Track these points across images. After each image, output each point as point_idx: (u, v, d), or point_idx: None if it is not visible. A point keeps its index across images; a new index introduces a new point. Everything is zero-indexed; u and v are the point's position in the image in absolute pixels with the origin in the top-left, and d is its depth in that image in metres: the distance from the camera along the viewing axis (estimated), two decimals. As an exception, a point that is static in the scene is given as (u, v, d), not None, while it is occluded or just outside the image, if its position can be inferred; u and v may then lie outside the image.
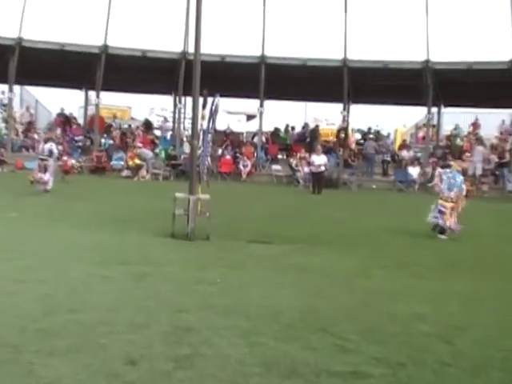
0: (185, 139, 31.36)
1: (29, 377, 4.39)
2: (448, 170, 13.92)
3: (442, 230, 13.09)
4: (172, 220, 11.18)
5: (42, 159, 18.16)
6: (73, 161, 25.91)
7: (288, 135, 33.59)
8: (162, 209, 13.17)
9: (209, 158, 12.94)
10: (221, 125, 31.70)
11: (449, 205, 13.05)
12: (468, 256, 11.20)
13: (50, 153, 18.50)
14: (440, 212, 13.07)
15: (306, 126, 34.61)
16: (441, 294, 7.75)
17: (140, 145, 30.05)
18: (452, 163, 14.40)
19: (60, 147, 19.51)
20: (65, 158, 22.34)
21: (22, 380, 4.35)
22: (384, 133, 33.86)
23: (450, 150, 30.25)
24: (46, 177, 17.79)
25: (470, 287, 8.37)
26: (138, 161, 28.42)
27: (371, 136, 32.84)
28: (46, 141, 21.49)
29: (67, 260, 8.59)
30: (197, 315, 6.14)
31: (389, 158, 31.63)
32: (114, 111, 39.38)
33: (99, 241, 10.48)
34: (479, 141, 30.97)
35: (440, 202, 13.15)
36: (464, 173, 26.70)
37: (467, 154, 15.22)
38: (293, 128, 34.32)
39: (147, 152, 29.19)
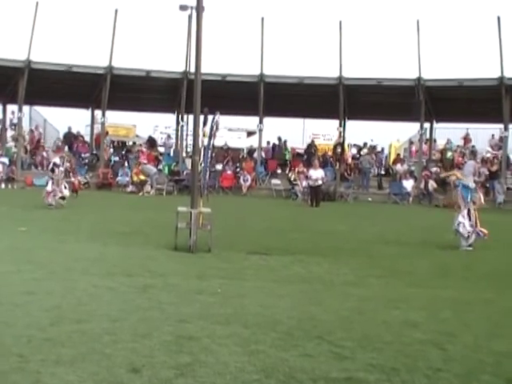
0: (184, 155, 32.28)
1: None
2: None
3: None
4: (175, 233, 11.39)
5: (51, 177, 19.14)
6: (79, 177, 26.69)
7: (287, 151, 34.46)
8: (165, 222, 13.51)
9: (207, 174, 13.32)
10: (221, 141, 32.85)
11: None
12: (459, 265, 11.34)
13: (54, 167, 19.28)
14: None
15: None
16: (434, 302, 7.91)
17: (145, 161, 30.83)
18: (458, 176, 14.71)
19: (68, 164, 20.22)
20: (72, 179, 23.12)
21: None
22: (379, 147, 34.77)
23: (443, 164, 31.27)
24: (49, 187, 18.63)
25: (462, 295, 8.47)
26: (142, 177, 29.18)
27: (366, 151, 33.73)
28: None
29: (74, 272, 8.78)
30: (198, 324, 6.25)
31: (383, 172, 32.64)
32: (119, 129, 40.47)
33: (105, 253, 10.73)
34: (472, 154, 32.00)
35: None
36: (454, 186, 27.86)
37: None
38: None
39: (151, 168, 29.97)
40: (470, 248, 13.39)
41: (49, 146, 34.24)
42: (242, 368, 5.02)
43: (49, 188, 18.69)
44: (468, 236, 13.42)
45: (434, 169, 30.50)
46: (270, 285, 8.67)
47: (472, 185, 13.88)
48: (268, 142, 34.78)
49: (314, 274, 9.75)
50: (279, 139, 34.73)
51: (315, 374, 4.96)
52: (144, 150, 33.29)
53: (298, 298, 7.94)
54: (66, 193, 18.85)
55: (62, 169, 19.25)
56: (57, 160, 19.75)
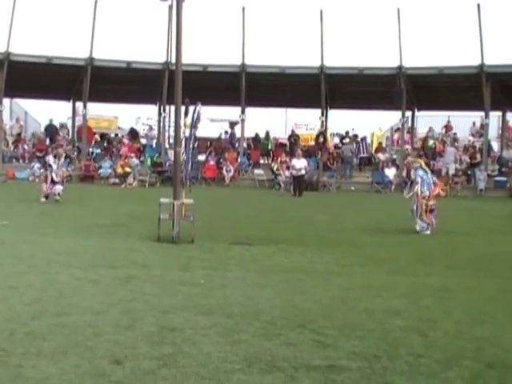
0: (167, 146, 32.22)
1: (17, 379, 4.47)
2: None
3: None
4: (158, 224, 11.40)
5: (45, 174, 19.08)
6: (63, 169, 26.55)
7: (269, 141, 34.51)
8: (148, 214, 13.51)
9: (190, 164, 13.29)
10: (204, 132, 32.78)
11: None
12: (441, 252, 11.44)
13: (48, 166, 19.25)
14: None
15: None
16: (416, 289, 7.96)
17: (132, 154, 30.71)
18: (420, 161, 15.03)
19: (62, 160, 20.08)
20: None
21: (11, 382, 4.42)
22: (360, 136, 34.85)
23: (424, 152, 31.43)
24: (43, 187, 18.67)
25: (443, 282, 8.53)
26: (127, 168, 29.11)
27: (347, 140, 33.87)
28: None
29: (56, 265, 8.71)
30: (181, 315, 6.26)
31: (366, 155, 32.90)
32: (100, 121, 40.27)
33: (87, 246, 10.68)
34: (453, 142, 32.25)
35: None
36: (438, 173, 28.10)
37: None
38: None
39: (134, 160, 29.97)
40: (428, 232, 13.77)
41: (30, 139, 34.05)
42: (224, 358, 5.04)
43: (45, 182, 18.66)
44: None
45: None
46: (252, 275, 8.69)
47: (431, 176, 14.35)
48: (226, 132, 35.01)
49: (296, 264, 9.76)
50: (231, 126, 34.97)
51: (297, 363, 5.00)
52: (125, 141, 33.17)
53: (281, 287, 7.96)
54: (60, 188, 18.64)
55: (55, 166, 19.07)
56: (50, 159, 19.62)
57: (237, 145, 33.61)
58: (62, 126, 35.07)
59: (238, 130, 34.85)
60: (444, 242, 12.88)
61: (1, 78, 29.75)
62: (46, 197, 18.49)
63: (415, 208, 13.91)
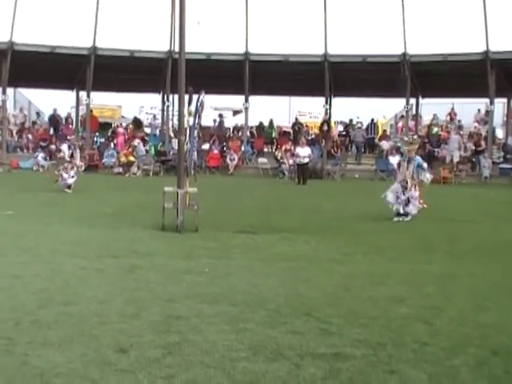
0: (172, 135, 32.20)
1: (23, 367, 4.51)
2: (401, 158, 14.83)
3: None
4: (162, 213, 11.42)
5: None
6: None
7: (273, 129, 34.47)
8: (152, 203, 13.48)
9: (195, 153, 13.49)
10: (208, 121, 32.80)
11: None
12: (445, 239, 11.40)
13: (62, 153, 19.26)
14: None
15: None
16: (419, 277, 7.98)
17: (139, 140, 30.63)
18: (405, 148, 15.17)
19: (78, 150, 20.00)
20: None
21: (17, 371, 4.45)
22: (365, 124, 34.76)
23: (429, 139, 31.35)
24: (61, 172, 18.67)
25: (447, 269, 8.55)
26: (131, 158, 29.05)
27: (359, 124, 33.98)
28: None
29: (61, 255, 8.77)
30: (186, 304, 6.29)
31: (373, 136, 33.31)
32: (104, 110, 40.26)
33: (92, 235, 10.74)
34: (459, 129, 32.12)
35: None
36: (442, 160, 28.06)
37: (414, 137, 15.89)
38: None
39: (141, 149, 29.93)
40: (408, 218, 13.83)
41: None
42: (229, 346, 5.06)
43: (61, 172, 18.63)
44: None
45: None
46: (257, 263, 8.71)
47: (425, 165, 14.54)
48: (214, 120, 35.05)
49: (300, 252, 9.77)
50: (220, 115, 35.03)
51: (303, 351, 5.01)
52: (121, 130, 33.02)
53: (286, 275, 7.97)
54: (71, 181, 18.58)
55: (67, 155, 19.02)
56: (64, 147, 19.57)
57: (232, 134, 33.60)
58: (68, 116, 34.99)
59: (240, 118, 34.83)
60: (448, 229, 12.86)
61: (4, 67, 29.66)
62: (69, 187, 18.46)
63: (415, 194, 13.91)
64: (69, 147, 19.38)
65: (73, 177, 18.57)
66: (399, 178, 14.18)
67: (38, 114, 36.11)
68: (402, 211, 13.87)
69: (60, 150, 19.06)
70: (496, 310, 6.43)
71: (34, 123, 34.62)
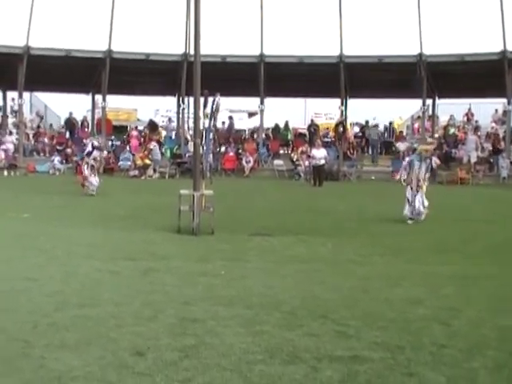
0: (189, 137, 32.19)
1: (40, 371, 4.49)
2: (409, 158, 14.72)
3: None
4: (178, 216, 11.42)
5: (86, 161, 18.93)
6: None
7: (288, 131, 34.37)
8: (168, 205, 13.41)
9: (211, 156, 13.49)
10: (224, 123, 32.78)
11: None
12: (460, 240, 11.40)
13: (92, 149, 19.03)
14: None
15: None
16: (435, 278, 7.96)
17: (155, 143, 30.61)
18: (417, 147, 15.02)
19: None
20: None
21: (34, 374, 4.44)
22: (381, 125, 34.67)
23: (445, 140, 31.15)
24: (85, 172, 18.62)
25: (463, 270, 8.53)
26: (147, 160, 29.09)
27: (374, 122, 33.95)
28: None
29: (77, 257, 8.82)
30: (202, 306, 6.30)
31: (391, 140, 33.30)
32: (120, 113, 40.38)
33: (108, 238, 10.83)
34: (476, 130, 31.89)
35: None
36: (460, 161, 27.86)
37: (429, 140, 15.76)
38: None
39: (157, 152, 29.92)
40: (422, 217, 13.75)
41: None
42: (246, 349, 5.05)
43: (85, 173, 18.56)
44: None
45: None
46: (272, 265, 8.69)
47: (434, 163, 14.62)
48: (223, 123, 34.80)
49: (316, 254, 9.80)
50: (230, 117, 34.96)
51: (320, 353, 4.98)
52: (134, 133, 33.07)
53: (301, 277, 7.96)
54: (95, 183, 18.58)
55: (97, 155, 18.99)
56: (95, 142, 19.47)
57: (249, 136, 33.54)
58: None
59: (256, 120, 34.76)
60: (464, 230, 12.89)
61: (20, 71, 29.82)
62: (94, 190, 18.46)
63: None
64: (97, 149, 19.31)
65: (97, 181, 18.60)
66: (408, 178, 14.02)
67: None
68: (412, 214, 13.76)
69: (90, 154, 18.84)
70: (514, 312, 6.34)
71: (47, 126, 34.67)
